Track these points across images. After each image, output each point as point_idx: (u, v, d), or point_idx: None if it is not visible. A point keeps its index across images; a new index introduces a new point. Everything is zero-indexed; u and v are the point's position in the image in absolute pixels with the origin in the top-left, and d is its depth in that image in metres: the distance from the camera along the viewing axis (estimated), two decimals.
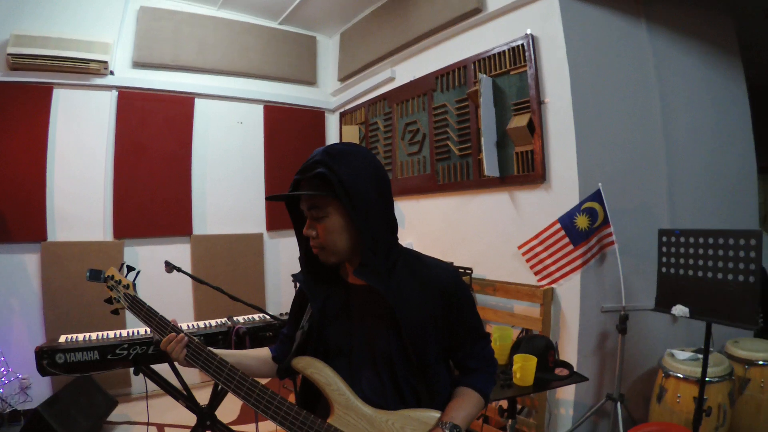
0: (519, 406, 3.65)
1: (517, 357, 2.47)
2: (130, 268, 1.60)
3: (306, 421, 1.36)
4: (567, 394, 3.46)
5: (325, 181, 1.30)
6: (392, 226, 1.41)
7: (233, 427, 3.32)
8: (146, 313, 1.52)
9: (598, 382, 3.48)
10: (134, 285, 1.59)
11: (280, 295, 5.55)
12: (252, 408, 1.41)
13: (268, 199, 1.45)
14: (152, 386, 3.14)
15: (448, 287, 1.41)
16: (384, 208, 1.37)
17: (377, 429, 1.35)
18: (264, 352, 1.63)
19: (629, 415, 3.31)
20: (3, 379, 4.05)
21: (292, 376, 1.60)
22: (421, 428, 1.35)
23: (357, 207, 1.30)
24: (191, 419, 3.16)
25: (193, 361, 1.47)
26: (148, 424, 3.85)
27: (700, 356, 2.92)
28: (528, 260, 3.55)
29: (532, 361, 2.45)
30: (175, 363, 1.53)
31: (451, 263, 1.53)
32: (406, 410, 1.38)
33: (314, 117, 5.99)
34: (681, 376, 2.99)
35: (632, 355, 3.46)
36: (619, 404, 3.19)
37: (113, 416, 4.15)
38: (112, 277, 1.58)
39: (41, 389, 4.19)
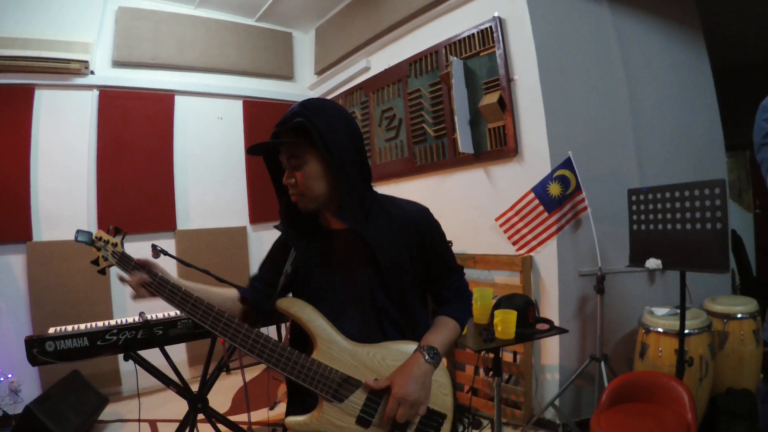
0: (506, 375, 3.76)
1: (497, 312, 2.55)
2: (118, 230, 1.62)
3: (285, 353, 1.42)
4: (552, 358, 3.57)
5: (303, 130, 1.39)
6: (366, 172, 1.50)
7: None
8: (134, 266, 1.52)
9: (581, 345, 3.58)
10: (122, 243, 1.60)
11: None
12: (229, 343, 1.46)
13: (248, 151, 1.50)
14: (143, 383, 3.14)
15: (421, 224, 1.52)
16: (357, 155, 1.46)
17: (359, 361, 1.43)
18: (231, 291, 1.65)
19: (614, 375, 3.41)
20: None
21: (274, 320, 1.66)
22: (401, 357, 1.44)
23: (333, 153, 1.39)
24: (183, 413, 3.18)
25: (159, 293, 1.49)
26: (139, 420, 3.87)
27: (678, 311, 3.05)
28: (505, 231, 3.66)
29: (512, 314, 2.53)
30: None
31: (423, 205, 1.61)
32: (386, 342, 1.47)
33: None
34: (661, 330, 3.09)
35: (612, 318, 3.57)
36: (602, 364, 3.28)
37: (104, 414, 4.16)
38: (100, 238, 1.58)
39: (31, 391, 4.18)
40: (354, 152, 1.45)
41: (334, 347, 1.43)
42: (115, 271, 1.57)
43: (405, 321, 1.51)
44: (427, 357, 1.42)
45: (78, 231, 1.59)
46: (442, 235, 1.58)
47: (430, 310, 1.65)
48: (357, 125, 1.52)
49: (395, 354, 1.45)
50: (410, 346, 1.47)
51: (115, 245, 1.57)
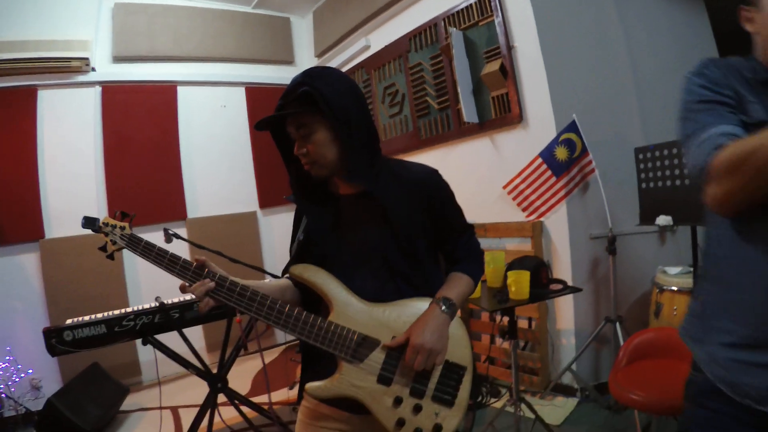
0: (521, 342, 3.78)
1: (510, 273, 2.56)
2: (125, 214, 1.59)
3: (301, 318, 1.42)
4: (567, 323, 3.58)
5: (308, 99, 1.38)
6: (373, 136, 1.50)
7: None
8: (144, 246, 1.51)
9: (595, 308, 3.59)
10: (130, 226, 1.58)
11: (277, 269, 5.58)
12: (251, 315, 1.45)
13: (255, 127, 1.50)
14: (162, 372, 3.18)
15: (430, 184, 1.52)
16: (364, 119, 1.46)
17: (375, 320, 1.43)
18: (284, 282, 1.62)
19: (629, 336, 3.42)
20: (15, 377, 4.13)
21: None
22: (416, 313, 1.44)
23: (341, 118, 1.38)
24: (203, 399, 3.21)
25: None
26: (161, 408, 3.92)
27: (691, 269, 3.04)
28: (514, 198, 3.66)
29: (525, 274, 2.54)
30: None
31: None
32: (401, 300, 1.47)
33: None
34: (675, 288, 3.07)
35: (625, 279, 3.57)
36: (618, 325, 3.29)
37: (125, 405, 4.23)
38: (107, 224, 1.56)
39: (52, 387, 4.22)
40: (361, 115, 1.45)
41: (349, 309, 1.44)
42: (130, 261, 1.56)
43: (419, 279, 1.51)
44: (443, 308, 1.43)
45: (84, 217, 1.58)
46: (452, 195, 1.59)
47: (442, 269, 1.66)
48: (361, 90, 1.52)
49: (411, 310, 1.46)
50: (425, 303, 1.47)
51: (123, 228, 1.56)
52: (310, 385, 1.42)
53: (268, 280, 1.62)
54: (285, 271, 1.54)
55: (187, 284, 1.44)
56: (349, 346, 1.40)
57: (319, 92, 1.37)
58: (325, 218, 1.53)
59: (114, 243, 1.55)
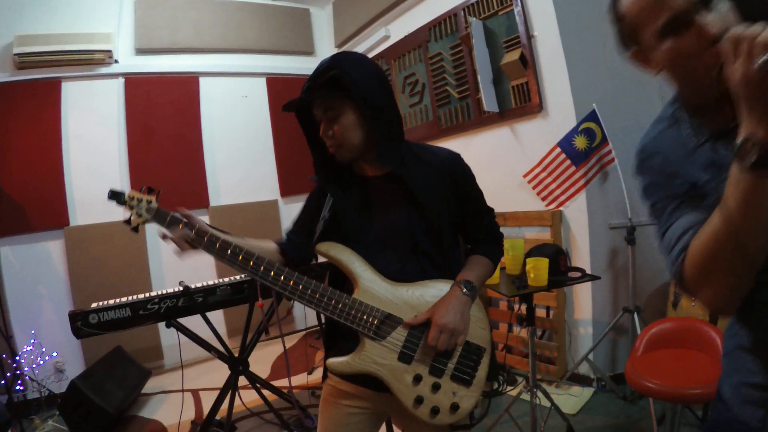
0: (539, 331, 3.79)
1: (529, 259, 2.58)
2: (151, 189, 1.61)
3: (327, 294, 1.46)
4: (584, 312, 3.58)
5: (337, 83, 1.41)
6: (398, 119, 1.54)
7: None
8: (171, 219, 1.53)
9: (613, 298, 3.59)
10: (157, 199, 1.59)
11: None
12: (277, 291, 1.49)
13: (283, 108, 1.52)
14: (184, 355, 3.24)
15: (453, 168, 1.55)
16: (390, 103, 1.50)
17: (399, 299, 1.47)
18: (269, 244, 1.68)
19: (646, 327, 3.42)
20: (39, 360, 4.24)
21: (308, 265, 1.70)
22: (439, 294, 1.48)
23: (368, 102, 1.42)
24: (223, 382, 3.28)
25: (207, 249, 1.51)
26: (183, 391, 3.99)
27: None
28: (534, 187, 3.67)
29: (544, 261, 2.56)
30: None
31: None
32: (424, 281, 1.51)
33: None
34: None
35: (644, 271, 3.55)
36: (636, 315, 3.29)
37: (147, 387, 4.31)
38: (133, 197, 1.58)
39: (75, 370, 4.33)
40: (387, 100, 1.49)
41: (374, 286, 1.48)
42: (152, 238, 1.58)
43: (441, 259, 1.55)
44: (465, 290, 1.46)
45: (111, 190, 1.60)
46: (473, 177, 1.62)
47: (462, 252, 1.69)
48: (386, 75, 1.55)
49: (433, 291, 1.49)
50: (447, 284, 1.51)
51: (149, 202, 1.58)
52: (332, 361, 1.46)
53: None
54: (311, 248, 1.57)
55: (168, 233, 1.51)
56: (372, 323, 1.44)
57: (348, 76, 1.40)
58: (351, 199, 1.57)
59: (140, 216, 1.57)
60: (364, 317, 1.45)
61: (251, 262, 1.48)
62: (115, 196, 1.59)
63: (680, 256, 0.93)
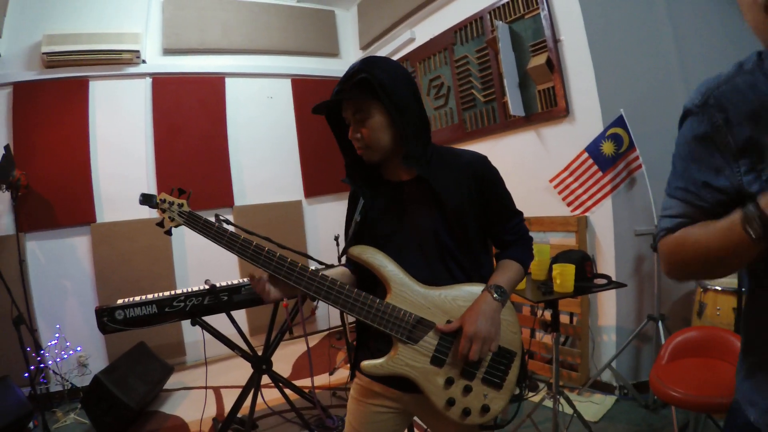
0: (562, 338, 3.76)
1: (556, 265, 2.57)
2: (182, 191, 1.63)
3: (360, 298, 1.48)
4: (609, 319, 3.55)
5: (366, 86, 1.43)
6: (426, 122, 1.55)
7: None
8: (204, 224, 1.56)
9: (638, 306, 3.55)
10: (188, 203, 1.62)
11: (321, 257, 5.65)
12: (314, 296, 1.50)
13: (313, 110, 1.54)
14: (207, 353, 3.28)
15: (480, 170, 1.55)
16: (417, 106, 1.51)
17: (431, 302, 1.47)
18: (342, 269, 1.68)
19: (670, 335, 3.38)
20: (63, 354, 4.31)
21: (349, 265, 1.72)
22: (471, 298, 1.48)
23: (397, 105, 1.44)
24: (245, 380, 3.29)
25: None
26: (206, 387, 4.02)
27: None
28: (560, 192, 3.65)
29: (570, 267, 2.54)
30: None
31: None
32: (456, 284, 1.51)
33: None
34: (719, 288, 3.01)
35: (669, 279, 3.51)
36: (660, 323, 3.25)
37: (169, 383, 4.36)
38: (164, 200, 1.60)
39: (98, 364, 4.42)
40: (414, 103, 1.50)
41: (406, 290, 1.48)
42: (177, 236, 1.58)
43: (469, 263, 1.55)
44: (495, 295, 1.46)
45: (142, 194, 1.62)
46: (501, 180, 1.61)
47: (491, 254, 1.69)
48: (413, 78, 1.56)
49: (465, 295, 1.49)
50: (479, 288, 1.50)
51: (180, 205, 1.60)
52: (366, 363, 1.47)
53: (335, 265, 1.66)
54: (344, 251, 1.59)
55: (255, 276, 1.53)
56: (405, 327, 1.45)
57: (377, 79, 1.42)
58: (379, 201, 1.59)
59: (172, 219, 1.60)
60: (398, 321, 1.45)
61: (276, 257, 1.50)
62: (147, 199, 1.61)
63: (662, 232, 1.03)
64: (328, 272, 1.57)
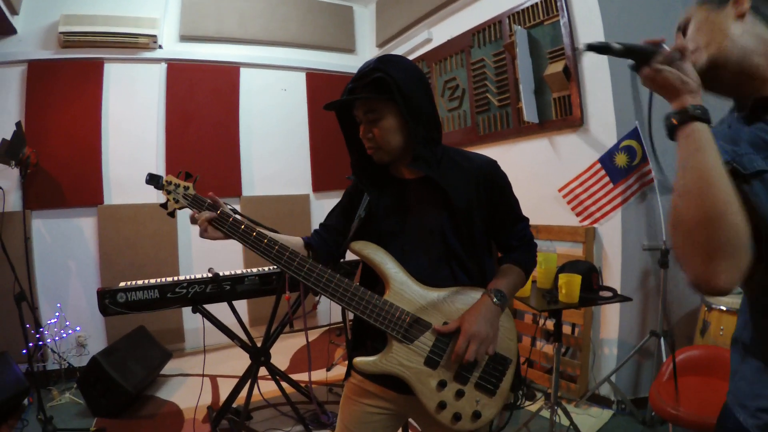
0: (563, 348, 3.74)
1: (562, 275, 2.55)
2: (189, 175, 1.62)
3: (358, 293, 1.47)
4: (611, 332, 3.53)
5: (380, 85, 1.42)
6: (437, 124, 1.54)
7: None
8: (207, 208, 1.55)
9: (641, 320, 3.52)
10: (194, 186, 1.61)
11: None
12: (314, 288, 1.49)
13: (325, 107, 1.53)
14: (206, 341, 3.31)
15: (489, 174, 1.55)
16: (430, 108, 1.50)
17: (430, 303, 1.47)
18: (296, 239, 1.67)
19: (673, 352, 3.35)
20: (62, 333, 4.32)
21: (338, 263, 1.71)
22: (470, 302, 1.48)
23: (410, 106, 1.43)
24: (242, 370, 3.31)
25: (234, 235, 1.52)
26: (203, 375, 4.02)
27: (741, 290, 2.95)
28: (569, 202, 3.63)
29: (576, 278, 2.52)
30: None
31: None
32: (456, 287, 1.50)
33: None
34: (724, 308, 2.98)
35: (674, 295, 3.49)
36: (662, 340, 3.23)
37: (167, 369, 4.37)
38: (171, 182, 1.59)
39: (97, 345, 4.44)
40: (429, 105, 1.49)
41: (405, 289, 1.48)
42: (183, 222, 1.57)
43: (473, 266, 1.54)
44: (495, 299, 1.45)
45: (149, 174, 1.63)
46: (509, 185, 1.61)
47: (494, 259, 1.68)
48: (427, 79, 1.55)
49: (464, 298, 1.49)
50: (478, 292, 1.50)
51: (186, 188, 1.60)
52: (359, 360, 1.47)
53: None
54: (345, 245, 1.58)
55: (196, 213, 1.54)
56: (401, 325, 1.45)
57: (392, 79, 1.40)
58: (385, 198, 1.58)
59: (176, 201, 1.59)
60: (394, 319, 1.45)
61: (276, 248, 1.49)
62: (153, 179, 1.62)
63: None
64: (279, 237, 1.57)
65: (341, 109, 1.58)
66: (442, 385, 1.44)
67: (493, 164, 1.58)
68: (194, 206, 1.57)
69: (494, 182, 1.55)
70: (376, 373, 1.46)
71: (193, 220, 1.54)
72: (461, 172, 1.53)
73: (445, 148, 1.57)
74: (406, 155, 1.52)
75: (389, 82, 1.40)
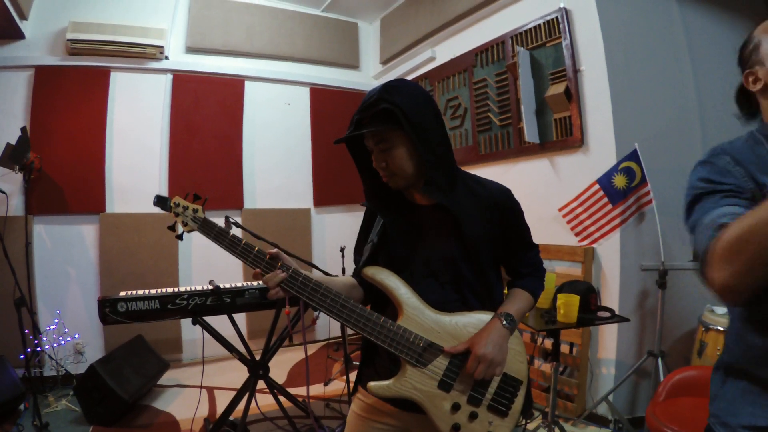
0: (561, 367, 3.75)
1: (560, 295, 2.58)
2: (197, 197, 1.58)
3: (372, 318, 1.47)
4: (609, 352, 3.54)
5: (388, 115, 1.42)
6: (449, 147, 1.54)
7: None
8: (217, 233, 1.52)
9: (639, 340, 3.54)
10: (203, 209, 1.57)
11: (326, 266, 5.66)
12: (331, 315, 1.48)
13: (336, 142, 1.53)
14: (205, 352, 3.30)
15: (503, 202, 1.57)
16: (440, 130, 1.50)
17: (442, 328, 1.48)
18: (348, 279, 1.67)
19: (669, 372, 3.37)
20: (61, 340, 4.33)
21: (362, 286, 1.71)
22: (479, 325, 1.49)
23: (419, 133, 1.43)
24: (239, 383, 3.30)
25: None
26: (201, 387, 4.01)
27: None
28: (569, 222, 3.66)
29: (575, 298, 2.55)
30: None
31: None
32: (467, 312, 1.52)
33: (358, 98, 6.09)
34: (721, 329, 3.00)
35: (672, 316, 3.51)
36: (660, 360, 3.24)
37: (164, 379, 4.37)
38: (179, 204, 1.55)
39: (95, 353, 4.45)
40: (438, 128, 1.49)
41: (418, 314, 1.48)
42: (190, 238, 1.55)
43: (483, 290, 1.56)
44: (504, 322, 1.48)
45: (157, 196, 1.59)
46: (522, 213, 1.63)
47: (504, 284, 1.70)
48: (434, 101, 1.56)
49: (476, 322, 1.50)
50: (488, 316, 1.52)
51: (195, 210, 1.56)
52: (374, 384, 1.47)
53: (336, 276, 1.65)
54: (358, 270, 1.60)
55: (261, 272, 1.47)
56: (415, 350, 1.45)
57: (399, 109, 1.40)
58: (400, 225, 1.58)
59: (185, 224, 1.55)
60: (408, 344, 1.45)
61: (299, 279, 1.48)
62: (161, 201, 1.57)
63: (717, 232, 0.96)
64: (336, 281, 1.58)
65: (351, 138, 1.57)
66: (455, 408, 1.45)
67: (507, 193, 1.60)
68: (203, 230, 1.54)
69: (507, 210, 1.57)
70: (390, 397, 1.46)
71: (256, 277, 1.49)
72: (475, 198, 1.54)
73: (459, 172, 1.58)
74: (419, 180, 1.52)
75: (396, 113, 1.40)
